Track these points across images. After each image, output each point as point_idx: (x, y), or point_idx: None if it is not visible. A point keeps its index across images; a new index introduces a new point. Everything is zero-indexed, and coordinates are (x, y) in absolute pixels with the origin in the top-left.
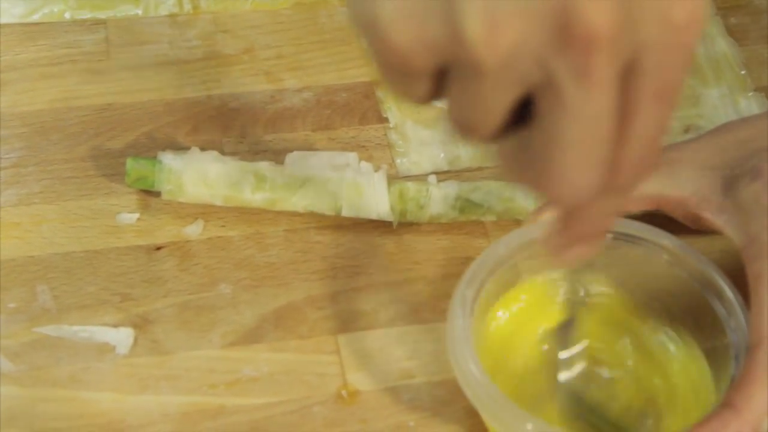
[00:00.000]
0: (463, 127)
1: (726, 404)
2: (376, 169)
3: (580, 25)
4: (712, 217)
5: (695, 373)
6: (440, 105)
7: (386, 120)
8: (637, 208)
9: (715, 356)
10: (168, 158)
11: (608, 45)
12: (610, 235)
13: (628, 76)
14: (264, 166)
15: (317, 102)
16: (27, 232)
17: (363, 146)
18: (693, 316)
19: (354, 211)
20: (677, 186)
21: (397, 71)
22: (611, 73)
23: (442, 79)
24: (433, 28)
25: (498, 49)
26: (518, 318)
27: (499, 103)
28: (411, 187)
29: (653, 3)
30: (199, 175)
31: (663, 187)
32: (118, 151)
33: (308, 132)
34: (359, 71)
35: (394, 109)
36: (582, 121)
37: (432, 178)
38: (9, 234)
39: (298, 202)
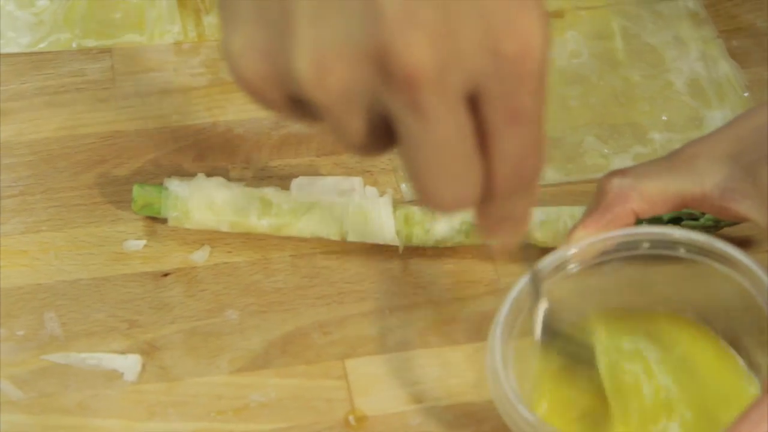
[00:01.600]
0: (342, 143)
1: (765, 390)
2: (382, 193)
3: (400, 64)
4: (737, 205)
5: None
6: None
7: None
8: (663, 210)
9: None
10: (174, 185)
11: (432, 80)
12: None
13: (476, 101)
14: (270, 191)
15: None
16: (34, 259)
17: (368, 171)
18: (746, 316)
19: (360, 236)
20: (698, 182)
21: (257, 100)
22: (446, 103)
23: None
24: (273, 65)
25: (329, 90)
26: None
27: (353, 129)
28: (416, 211)
29: (479, 36)
30: (206, 202)
31: (684, 185)
32: (124, 178)
33: (313, 157)
34: None
35: None
36: (429, 147)
37: None
38: (17, 262)
39: (304, 227)
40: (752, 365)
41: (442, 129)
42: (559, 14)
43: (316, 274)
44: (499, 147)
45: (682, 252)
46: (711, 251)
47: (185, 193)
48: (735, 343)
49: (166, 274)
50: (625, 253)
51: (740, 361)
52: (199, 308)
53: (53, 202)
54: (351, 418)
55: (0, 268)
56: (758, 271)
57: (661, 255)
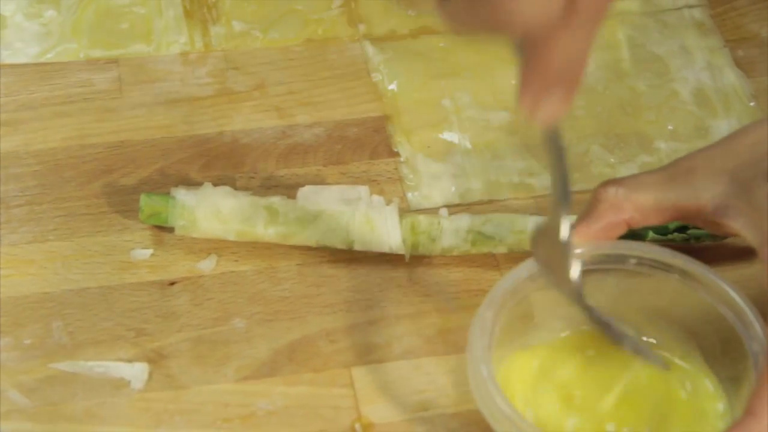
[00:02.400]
0: None
1: (746, 412)
2: (388, 202)
3: None
4: (730, 221)
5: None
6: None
7: (397, 154)
8: (657, 221)
9: (737, 383)
10: (181, 194)
11: None
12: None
13: None
14: (276, 200)
15: (328, 137)
16: (42, 268)
17: (374, 180)
18: (718, 340)
19: (366, 245)
20: (693, 195)
21: None
22: None
23: None
24: None
25: None
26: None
27: None
28: (422, 220)
29: None
30: (212, 211)
31: (679, 198)
32: (131, 188)
33: (320, 167)
34: (369, 106)
35: (405, 143)
36: None
37: (443, 211)
38: (24, 271)
39: (311, 236)
40: (724, 386)
41: None
42: None
43: (322, 283)
44: None
45: (673, 275)
46: (700, 279)
47: (192, 203)
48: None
49: (172, 283)
50: (611, 266)
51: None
52: (205, 317)
53: (60, 212)
54: (357, 425)
55: (8, 277)
56: (746, 308)
57: (644, 272)
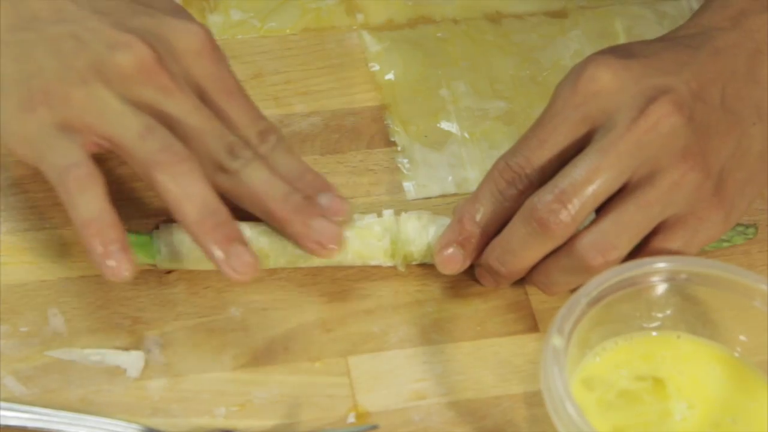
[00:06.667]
0: None
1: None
2: (379, 213)
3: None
4: None
5: None
6: None
7: (394, 144)
8: None
9: None
10: (163, 236)
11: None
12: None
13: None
14: (265, 242)
15: (325, 126)
16: (39, 256)
17: (371, 170)
18: None
19: (361, 260)
20: None
21: None
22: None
23: None
24: None
25: None
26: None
27: None
28: (411, 230)
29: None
30: (197, 256)
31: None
32: (126, 177)
33: (317, 156)
34: (367, 96)
35: (402, 133)
36: None
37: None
38: (21, 259)
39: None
40: None
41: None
42: (562, 14)
43: (318, 272)
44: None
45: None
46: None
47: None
48: None
49: (169, 272)
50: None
51: None
52: (202, 305)
53: (57, 200)
54: (353, 414)
55: (5, 265)
56: None
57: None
